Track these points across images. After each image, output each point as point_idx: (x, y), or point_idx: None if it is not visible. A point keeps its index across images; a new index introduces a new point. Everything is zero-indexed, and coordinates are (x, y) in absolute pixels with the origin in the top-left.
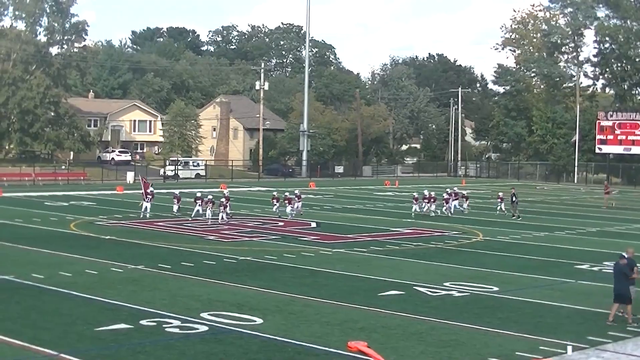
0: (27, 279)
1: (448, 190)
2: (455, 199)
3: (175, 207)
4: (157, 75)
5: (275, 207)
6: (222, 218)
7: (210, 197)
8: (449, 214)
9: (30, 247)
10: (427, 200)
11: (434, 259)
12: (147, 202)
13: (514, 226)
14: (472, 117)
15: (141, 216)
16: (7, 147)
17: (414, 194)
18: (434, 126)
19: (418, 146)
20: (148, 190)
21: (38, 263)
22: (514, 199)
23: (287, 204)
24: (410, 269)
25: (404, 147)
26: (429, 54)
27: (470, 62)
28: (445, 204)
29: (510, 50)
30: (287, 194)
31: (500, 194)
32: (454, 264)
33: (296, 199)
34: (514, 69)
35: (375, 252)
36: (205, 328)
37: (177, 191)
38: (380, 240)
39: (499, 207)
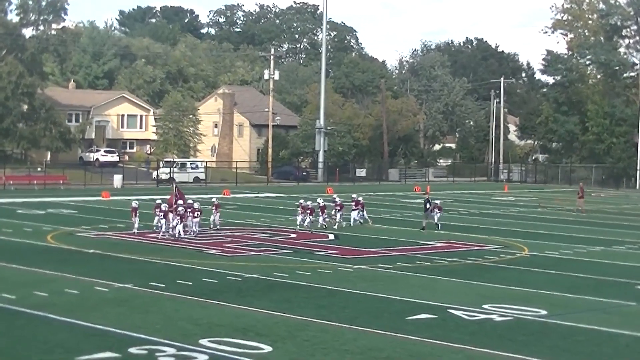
0: None
1: (337, 199)
2: (355, 209)
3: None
4: (148, 62)
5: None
6: (179, 233)
7: (165, 205)
8: (324, 225)
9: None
10: (310, 212)
11: (471, 277)
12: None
13: (564, 239)
14: (517, 112)
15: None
16: None
17: (300, 201)
18: (471, 122)
19: (453, 146)
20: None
21: (9, 281)
22: (427, 205)
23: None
24: (444, 288)
25: (437, 147)
26: (466, 38)
27: (514, 48)
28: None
29: (561, 34)
30: (214, 199)
31: (437, 202)
32: (494, 283)
33: (213, 209)
34: (566, 56)
35: (403, 268)
36: (205, 357)
37: (135, 203)
38: (409, 255)
39: (436, 218)
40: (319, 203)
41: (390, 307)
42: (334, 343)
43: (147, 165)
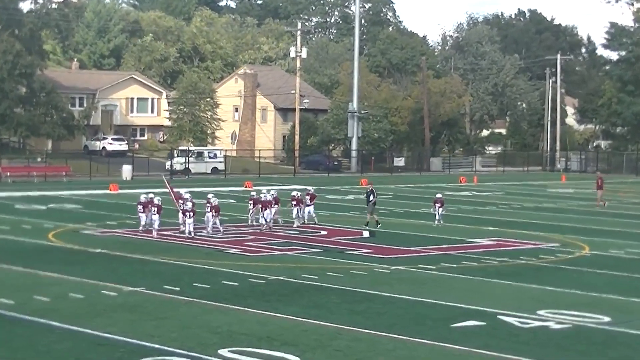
0: None
1: (293, 193)
2: (311, 204)
3: (142, 219)
4: (158, 38)
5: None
6: (191, 230)
7: (158, 199)
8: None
9: None
10: (263, 206)
11: (524, 280)
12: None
13: (631, 237)
14: (575, 93)
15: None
16: None
17: (252, 194)
18: (524, 105)
19: (503, 131)
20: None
21: (7, 285)
22: (371, 197)
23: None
24: (494, 292)
25: (485, 133)
26: (518, 9)
27: (572, 21)
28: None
29: (627, 3)
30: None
31: (439, 195)
32: (550, 286)
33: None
34: (632, 29)
35: (447, 269)
36: None
37: (143, 197)
38: (454, 254)
39: (437, 215)
40: (273, 194)
41: (433, 313)
42: (369, 353)
43: (171, 160)
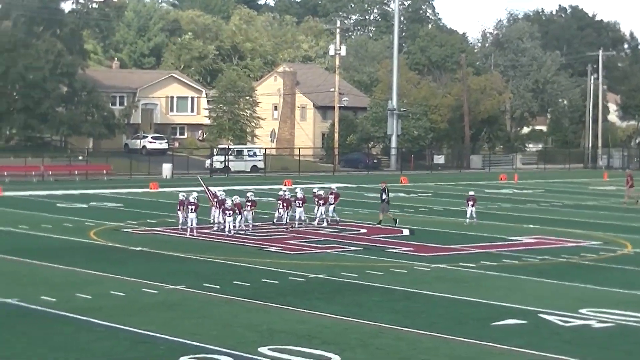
0: (34, 302)
1: (316, 190)
2: (333, 204)
3: (181, 217)
4: (197, 36)
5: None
6: (231, 228)
7: (194, 198)
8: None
9: (38, 261)
10: (287, 206)
11: (566, 278)
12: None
13: None
14: (618, 89)
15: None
16: (8, 132)
17: (280, 193)
18: (565, 102)
19: (544, 128)
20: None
21: (49, 282)
22: (383, 196)
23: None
24: (535, 290)
25: (526, 130)
26: (559, 6)
27: (614, 16)
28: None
29: None
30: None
31: (471, 193)
32: (593, 284)
33: (248, 205)
34: None
35: (487, 268)
36: None
37: (182, 195)
38: (495, 252)
39: (469, 213)
40: (298, 194)
41: (473, 312)
42: (410, 352)
43: (211, 158)
